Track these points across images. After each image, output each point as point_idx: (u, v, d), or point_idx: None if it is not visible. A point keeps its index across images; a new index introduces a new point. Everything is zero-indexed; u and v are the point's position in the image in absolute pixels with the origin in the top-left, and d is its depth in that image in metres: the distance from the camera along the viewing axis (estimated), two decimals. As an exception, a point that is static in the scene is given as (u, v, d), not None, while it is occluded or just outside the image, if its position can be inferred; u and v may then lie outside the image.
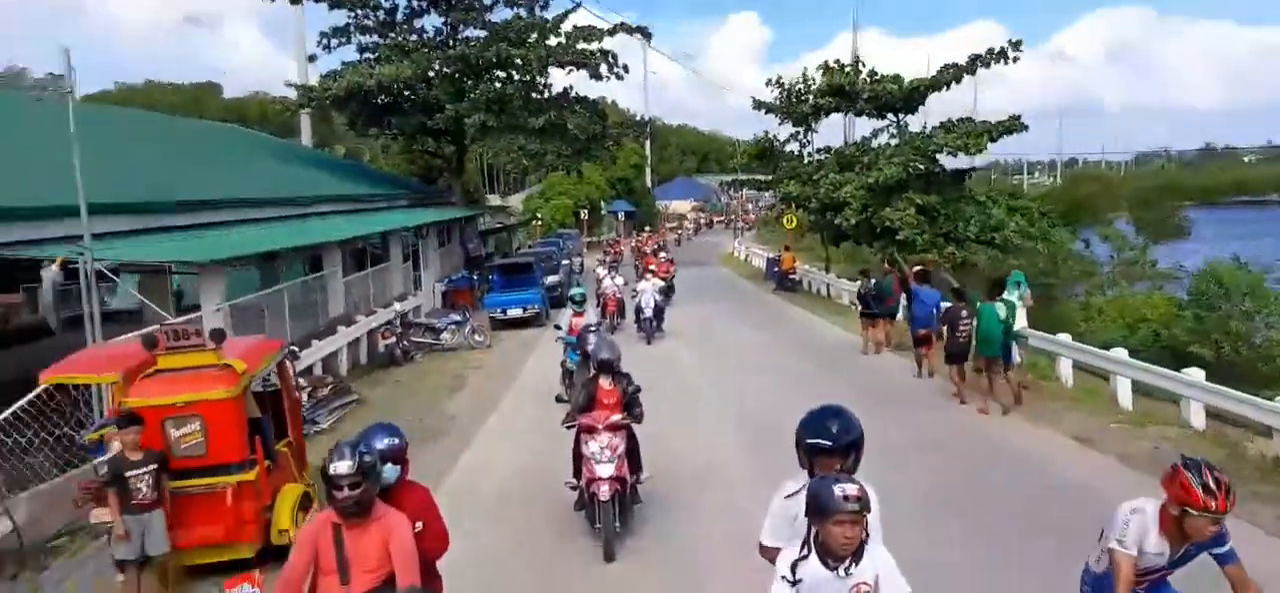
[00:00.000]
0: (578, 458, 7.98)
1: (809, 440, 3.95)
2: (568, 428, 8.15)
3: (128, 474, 6.59)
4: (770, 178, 30.26)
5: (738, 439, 10.91)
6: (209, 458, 7.06)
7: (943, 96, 30.57)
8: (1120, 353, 12.35)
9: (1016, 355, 12.39)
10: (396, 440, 4.47)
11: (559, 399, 12.24)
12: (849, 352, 16.97)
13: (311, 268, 19.56)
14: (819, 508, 3.45)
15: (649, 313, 19.23)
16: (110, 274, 11.49)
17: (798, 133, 28.15)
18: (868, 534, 3.53)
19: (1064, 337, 13.69)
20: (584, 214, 54.98)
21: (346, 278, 19.91)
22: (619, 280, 23.08)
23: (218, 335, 7.64)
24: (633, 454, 8.06)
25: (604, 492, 7.49)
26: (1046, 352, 13.93)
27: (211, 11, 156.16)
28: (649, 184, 70.28)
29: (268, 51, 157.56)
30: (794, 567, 3.53)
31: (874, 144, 25.20)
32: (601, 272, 24.67)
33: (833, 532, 3.43)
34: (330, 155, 47.29)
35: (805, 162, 27.87)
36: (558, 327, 15.23)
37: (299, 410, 8.93)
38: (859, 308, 17.23)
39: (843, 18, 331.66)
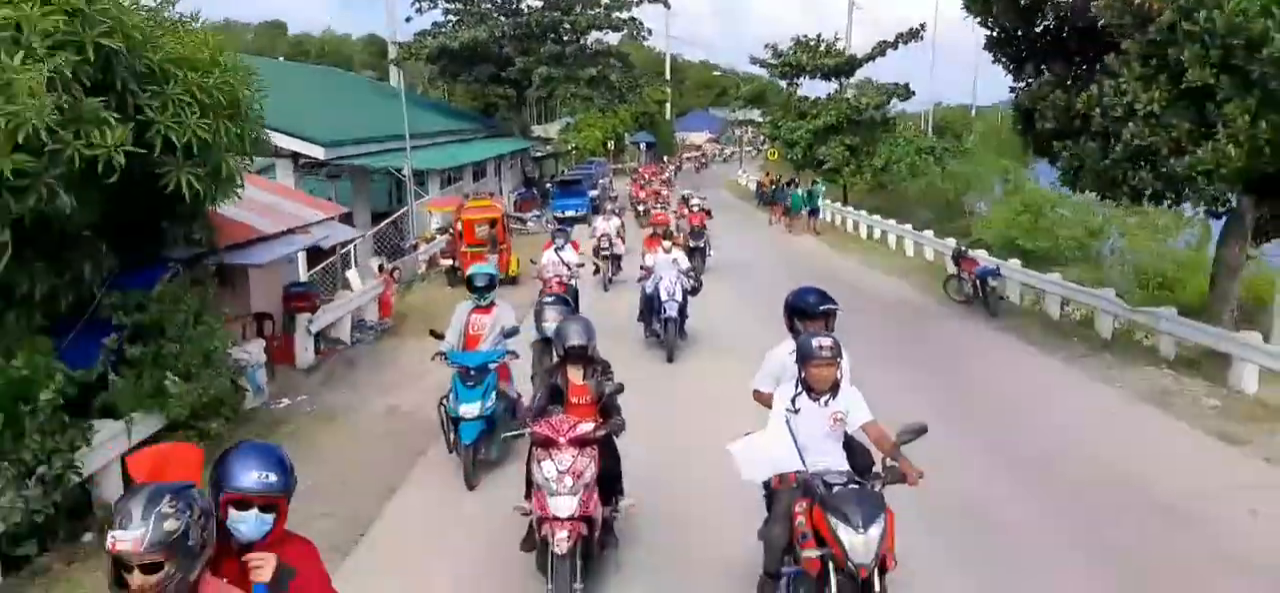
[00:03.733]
0: (530, 478, 5.93)
1: (795, 306, 5.92)
2: (511, 438, 7.04)
3: (458, 249, 19.26)
4: (760, 120, 42.51)
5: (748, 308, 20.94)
6: (494, 242, 19.64)
7: (880, 63, 41.59)
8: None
9: (820, 215, 26.22)
10: (273, 478, 3.02)
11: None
12: (765, 224, 30.50)
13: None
14: (805, 354, 5.10)
15: (671, 311, 12.88)
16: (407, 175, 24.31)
17: (785, 85, 40.24)
18: (841, 376, 5.14)
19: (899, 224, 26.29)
20: (611, 144, 67.27)
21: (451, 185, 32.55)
22: (613, 225, 20.35)
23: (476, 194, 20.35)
24: (609, 478, 6.14)
25: (561, 543, 5.45)
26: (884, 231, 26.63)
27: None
28: (669, 117, 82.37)
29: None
30: (794, 399, 5.14)
31: (817, 99, 37.39)
32: (598, 220, 21.14)
33: (814, 372, 5.05)
34: (427, 98, 59.73)
35: (786, 108, 39.96)
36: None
37: (504, 227, 21.47)
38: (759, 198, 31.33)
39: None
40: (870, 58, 36.33)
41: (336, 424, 10.48)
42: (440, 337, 8.73)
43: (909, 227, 25.86)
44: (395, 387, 11.89)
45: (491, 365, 8.51)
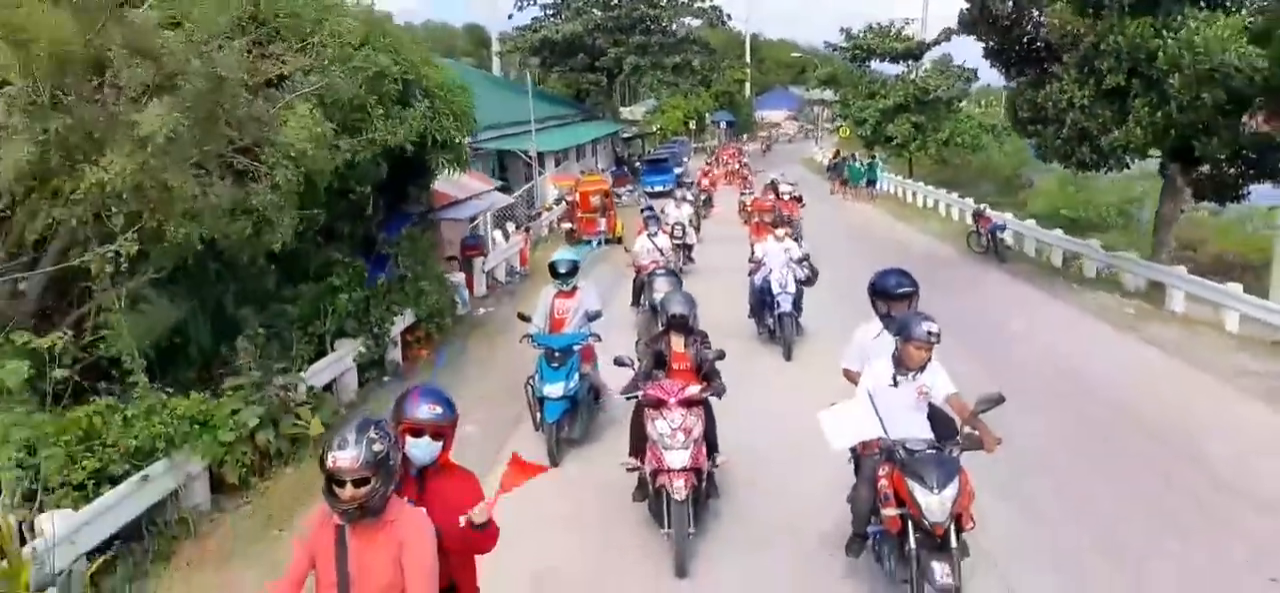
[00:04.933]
0: (638, 435, 6.90)
1: (878, 289, 6.41)
2: (628, 399, 7.13)
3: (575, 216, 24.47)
4: (835, 100, 46.72)
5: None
6: (604, 209, 24.83)
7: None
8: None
9: (878, 187, 31.34)
10: (440, 410, 3.91)
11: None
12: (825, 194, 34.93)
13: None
14: (908, 334, 5.56)
15: (785, 305, 12.36)
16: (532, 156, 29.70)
17: (857, 67, 44.41)
18: (931, 355, 5.55)
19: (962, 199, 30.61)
20: (692, 124, 72.08)
21: (559, 166, 37.81)
22: (686, 212, 20.53)
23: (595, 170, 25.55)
24: (708, 436, 6.88)
25: (679, 490, 6.28)
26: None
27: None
28: (748, 95, 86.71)
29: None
30: (894, 377, 5.71)
31: (887, 79, 41.48)
32: (670, 206, 20.73)
33: (912, 352, 5.56)
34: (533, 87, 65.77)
35: (857, 89, 44.14)
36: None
37: (611, 199, 26.67)
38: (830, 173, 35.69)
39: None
40: (936, 43, 40.29)
41: (508, 335, 15.54)
42: (527, 319, 9.43)
43: (955, 195, 30.11)
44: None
45: (575, 348, 8.99)
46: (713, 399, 7.05)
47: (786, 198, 21.42)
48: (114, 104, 7.27)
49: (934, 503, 5.18)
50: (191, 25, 7.49)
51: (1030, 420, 8.87)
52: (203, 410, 8.02)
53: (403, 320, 13.07)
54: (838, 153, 45.34)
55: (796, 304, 12.50)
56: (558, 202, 27.94)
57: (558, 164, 34.53)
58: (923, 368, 5.68)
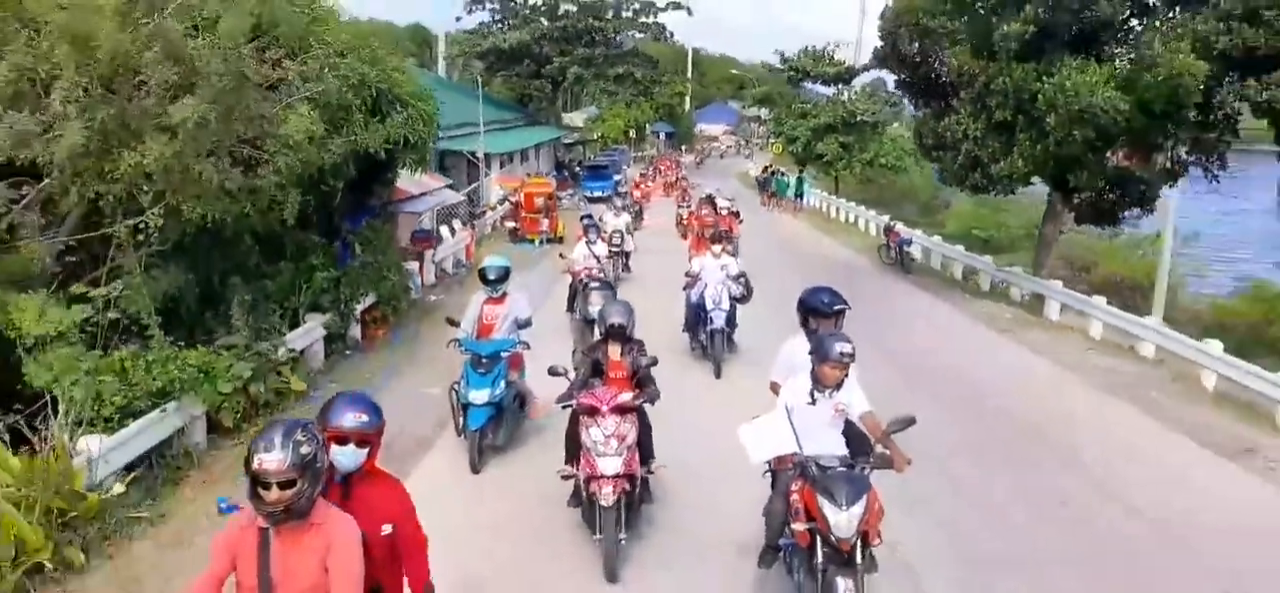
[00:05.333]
0: (574, 443, 7.01)
1: (810, 306, 6.61)
2: (563, 407, 7.21)
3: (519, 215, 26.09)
4: (770, 117, 49.01)
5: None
6: (547, 211, 26.43)
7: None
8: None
9: (805, 202, 33.43)
10: (366, 417, 3.94)
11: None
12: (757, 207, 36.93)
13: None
14: (824, 354, 5.74)
15: (718, 322, 12.46)
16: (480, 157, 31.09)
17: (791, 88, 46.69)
18: (848, 374, 5.77)
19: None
20: (632, 133, 74.04)
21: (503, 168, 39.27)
22: (623, 221, 20.84)
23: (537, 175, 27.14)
24: (642, 444, 7.07)
25: (607, 496, 6.47)
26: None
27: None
28: (688, 108, 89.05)
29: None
30: (811, 393, 5.86)
31: (818, 101, 43.90)
32: (608, 215, 20.88)
33: (827, 372, 5.74)
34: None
35: (790, 108, 46.45)
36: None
37: (554, 201, 28.25)
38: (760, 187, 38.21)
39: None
40: (866, 68, 42.80)
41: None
42: (456, 324, 9.45)
43: (874, 212, 32.43)
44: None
45: (503, 355, 8.97)
46: (648, 408, 7.29)
47: (724, 213, 21.22)
48: (147, 100, 8.67)
49: (842, 520, 5.32)
50: (214, 36, 8.92)
51: (911, 401, 10.73)
52: (206, 362, 9.43)
53: (365, 301, 14.51)
54: (767, 168, 47.62)
55: (730, 320, 12.59)
56: (501, 201, 29.43)
57: (502, 166, 35.98)
58: (839, 386, 5.84)
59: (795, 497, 5.71)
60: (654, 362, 7.38)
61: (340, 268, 14.05)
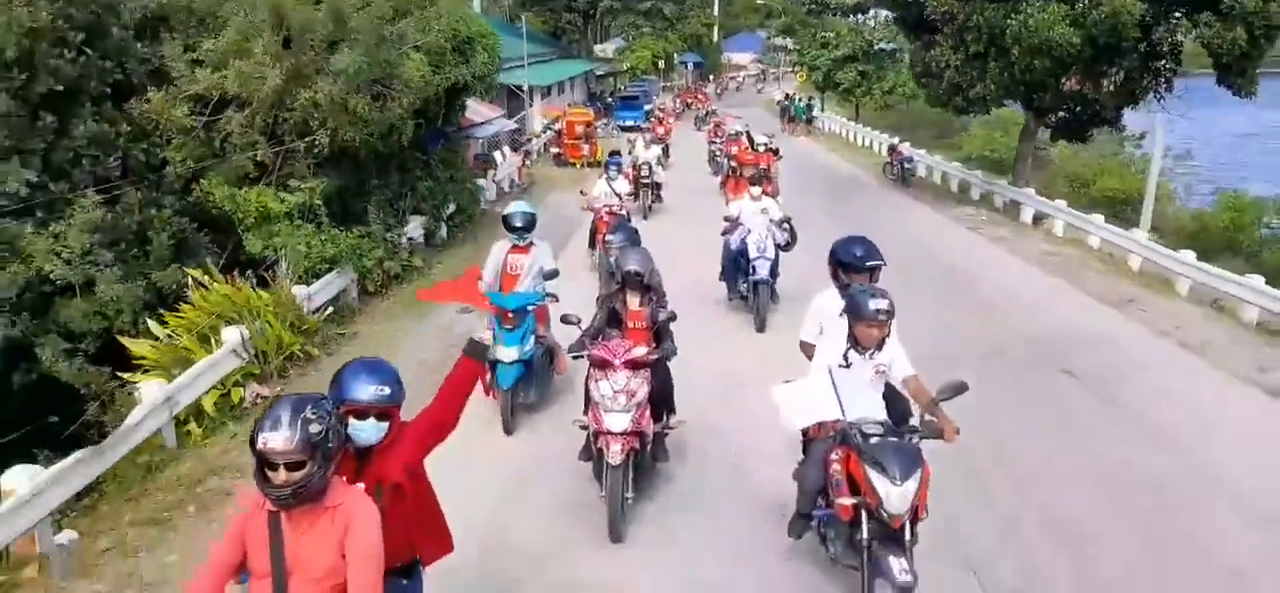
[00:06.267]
0: (588, 396, 6.71)
1: (841, 259, 6.13)
2: (574, 358, 7.22)
3: (562, 142, 29.65)
4: (794, 47, 51.89)
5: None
6: (587, 137, 29.91)
7: None
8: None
9: (817, 123, 37.33)
10: (386, 389, 3.71)
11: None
12: (779, 131, 39.91)
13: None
14: (857, 312, 5.20)
15: (761, 272, 11.64)
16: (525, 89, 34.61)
17: (813, 17, 49.54)
18: (889, 332, 5.23)
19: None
20: (661, 63, 76.78)
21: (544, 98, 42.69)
22: (654, 153, 21.36)
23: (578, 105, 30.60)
24: (661, 397, 7.00)
25: (614, 455, 6.32)
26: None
27: None
28: (717, 38, 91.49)
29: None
30: (845, 354, 5.37)
31: (836, 33, 46.76)
32: (639, 145, 21.79)
33: (864, 331, 5.25)
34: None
35: (814, 38, 49.34)
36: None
37: (593, 128, 31.67)
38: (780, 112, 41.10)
39: None
40: (873, 4, 45.53)
41: None
42: (477, 278, 8.38)
43: (886, 135, 35.50)
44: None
45: (530, 308, 8.47)
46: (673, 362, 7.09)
47: (762, 150, 20.05)
48: (315, 55, 12.31)
49: (895, 495, 4.95)
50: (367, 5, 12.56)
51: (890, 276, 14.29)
52: (355, 243, 13.16)
53: (449, 208, 18.21)
54: (787, 95, 50.66)
55: (773, 271, 11.73)
56: (544, 130, 32.95)
57: (543, 97, 39.41)
58: (879, 346, 5.43)
59: (837, 467, 5.32)
60: (672, 317, 7.07)
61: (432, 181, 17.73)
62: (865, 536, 5.14)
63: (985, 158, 36.29)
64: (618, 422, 6.34)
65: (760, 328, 11.52)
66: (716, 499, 7.24)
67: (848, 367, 5.44)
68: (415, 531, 3.91)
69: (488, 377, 8.00)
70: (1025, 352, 11.38)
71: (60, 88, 10.39)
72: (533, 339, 8.46)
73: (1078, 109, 20.78)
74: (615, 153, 17.75)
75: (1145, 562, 6.49)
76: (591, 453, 6.83)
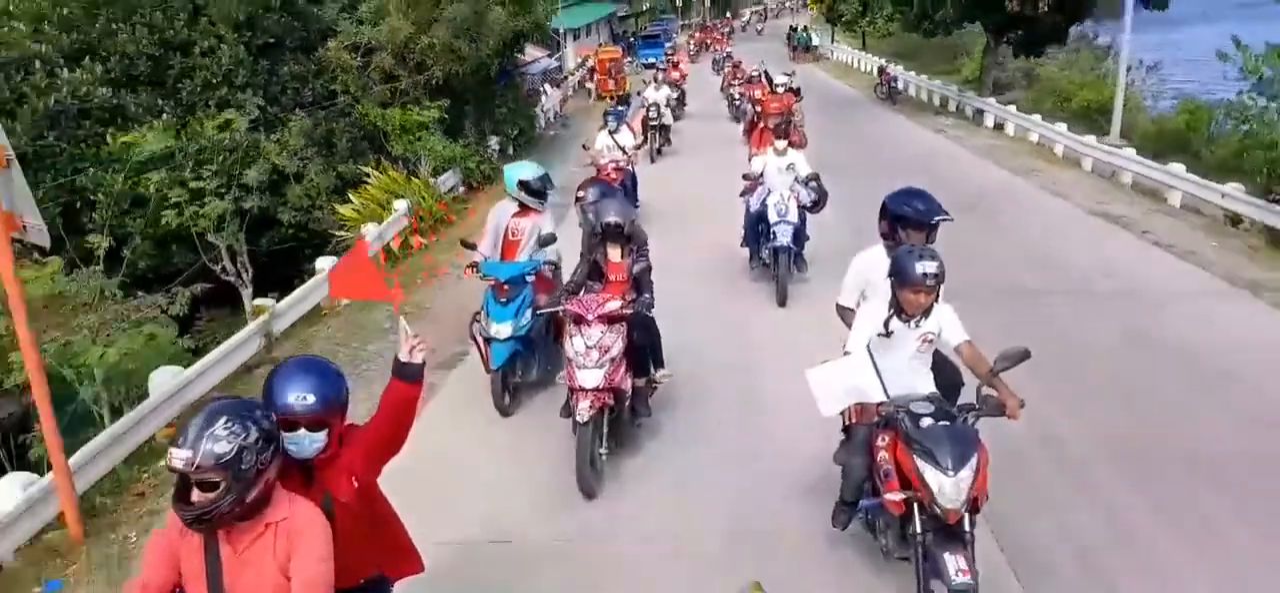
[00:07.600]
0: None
1: (896, 212, 5.42)
2: (541, 314, 7.23)
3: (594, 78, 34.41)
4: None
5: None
6: (615, 73, 34.73)
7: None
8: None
9: (816, 49, 43.16)
10: (310, 398, 3.19)
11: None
12: (784, 58, 44.45)
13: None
14: (903, 278, 4.68)
15: (783, 237, 10.45)
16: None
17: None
18: (938, 297, 4.73)
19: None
20: (679, 2, 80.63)
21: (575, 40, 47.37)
22: (663, 94, 21.45)
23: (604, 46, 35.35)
24: (646, 351, 6.97)
25: (583, 412, 6.27)
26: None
27: None
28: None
29: None
30: (886, 323, 4.84)
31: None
32: (650, 88, 21.93)
33: (911, 298, 4.71)
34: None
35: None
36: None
37: (621, 65, 36.48)
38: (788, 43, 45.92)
39: None
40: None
41: (564, 146, 25.46)
42: (473, 247, 8.07)
43: (882, 59, 39.97)
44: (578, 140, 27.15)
45: (528, 278, 7.85)
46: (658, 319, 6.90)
47: (781, 91, 17.64)
48: (432, 6, 17.33)
49: (948, 486, 4.42)
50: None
51: (868, 167, 19.23)
52: (459, 152, 18.23)
53: (515, 131, 23.26)
54: (793, 27, 54.97)
55: (798, 237, 10.62)
56: (577, 68, 37.87)
57: (576, 38, 44.18)
58: (927, 313, 4.84)
59: (884, 454, 4.84)
60: (648, 268, 6.99)
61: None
62: (918, 530, 4.67)
63: (980, 80, 40.66)
64: (589, 378, 6.29)
65: (782, 301, 10.48)
66: (704, 469, 6.91)
67: (889, 336, 4.91)
68: (373, 550, 3.56)
69: (484, 351, 7.80)
70: (949, 202, 16.18)
71: (271, 40, 15.51)
72: (530, 312, 7.77)
73: (1027, 27, 25.36)
74: (622, 101, 20.04)
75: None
76: (570, 410, 6.58)
